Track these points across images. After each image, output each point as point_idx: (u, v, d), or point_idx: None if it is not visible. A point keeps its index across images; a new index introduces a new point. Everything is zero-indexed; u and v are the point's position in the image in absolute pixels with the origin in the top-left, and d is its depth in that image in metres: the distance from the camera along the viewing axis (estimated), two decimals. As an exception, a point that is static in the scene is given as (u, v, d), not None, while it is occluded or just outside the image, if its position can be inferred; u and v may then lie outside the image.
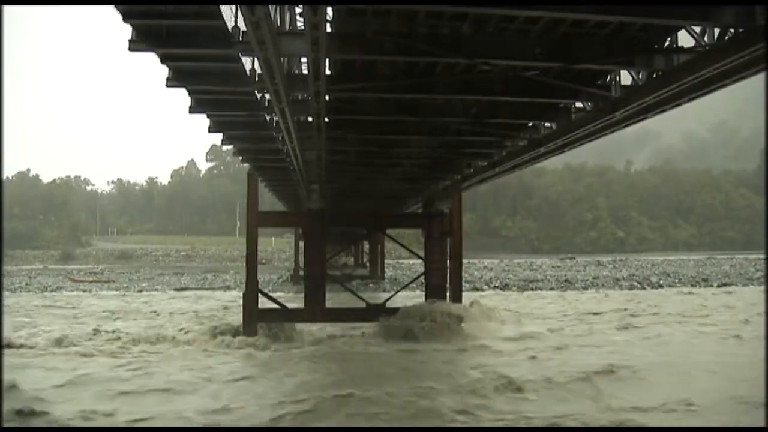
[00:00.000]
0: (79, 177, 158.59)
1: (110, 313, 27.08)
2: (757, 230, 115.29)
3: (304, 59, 9.66)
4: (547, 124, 13.61)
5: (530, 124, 14.10)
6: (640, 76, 9.98)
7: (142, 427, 6.78)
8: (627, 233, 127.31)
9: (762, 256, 54.18)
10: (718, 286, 41.09)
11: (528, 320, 22.94)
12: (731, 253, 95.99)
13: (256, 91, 11.85)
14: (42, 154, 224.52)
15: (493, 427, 6.70)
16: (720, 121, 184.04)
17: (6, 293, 37.02)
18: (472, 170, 18.60)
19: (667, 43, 9.35)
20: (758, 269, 52.07)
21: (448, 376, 13.91)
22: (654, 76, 9.53)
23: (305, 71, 9.97)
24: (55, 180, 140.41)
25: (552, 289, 40.81)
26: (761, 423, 6.90)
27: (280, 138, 14.74)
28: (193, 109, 12.97)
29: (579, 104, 12.20)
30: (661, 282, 43.89)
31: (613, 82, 10.70)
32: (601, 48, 9.40)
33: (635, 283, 43.25)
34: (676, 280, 45.12)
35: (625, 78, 10.49)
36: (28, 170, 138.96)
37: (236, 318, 19.71)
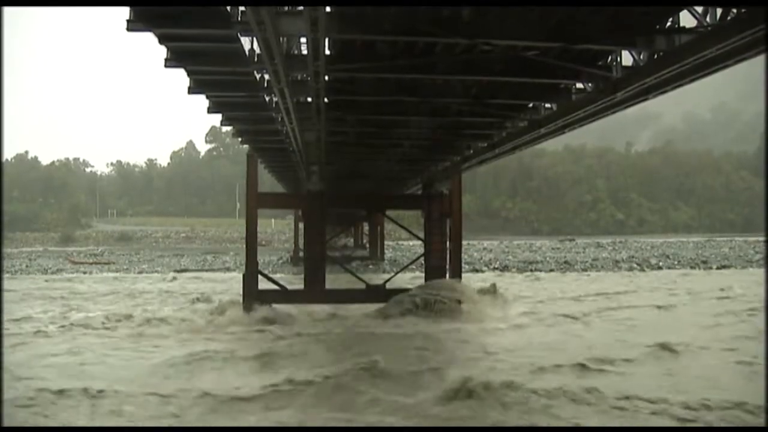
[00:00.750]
0: (78, 159, 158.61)
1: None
2: (756, 213, 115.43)
3: (303, 39, 9.60)
4: (548, 105, 13.57)
5: (530, 105, 14.05)
6: (641, 57, 9.92)
7: (142, 427, 6.79)
8: (627, 215, 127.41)
9: (761, 239, 54.25)
10: (717, 268, 41.14)
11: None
12: (731, 235, 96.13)
13: (255, 72, 11.79)
14: (40, 136, 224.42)
15: (494, 427, 6.72)
16: (721, 102, 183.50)
17: (6, 275, 37.00)
18: (471, 151, 18.56)
19: (668, 24, 9.30)
20: (757, 252, 52.14)
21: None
22: (655, 56, 9.48)
23: (304, 51, 9.92)
24: (54, 162, 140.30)
25: (551, 270, 40.88)
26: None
27: (279, 119, 14.70)
28: (192, 90, 12.90)
29: (579, 85, 12.15)
30: (660, 264, 43.95)
31: (614, 63, 10.63)
32: (602, 28, 9.34)
33: (634, 265, 43.32)
34: (676, 262, 45.18)
35: (626, 59, 10.43)
36: (27, 152, 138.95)
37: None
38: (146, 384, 11.00)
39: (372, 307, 19.45)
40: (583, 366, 12.48)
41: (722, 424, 9.15)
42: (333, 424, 8.86)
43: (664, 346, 14.20)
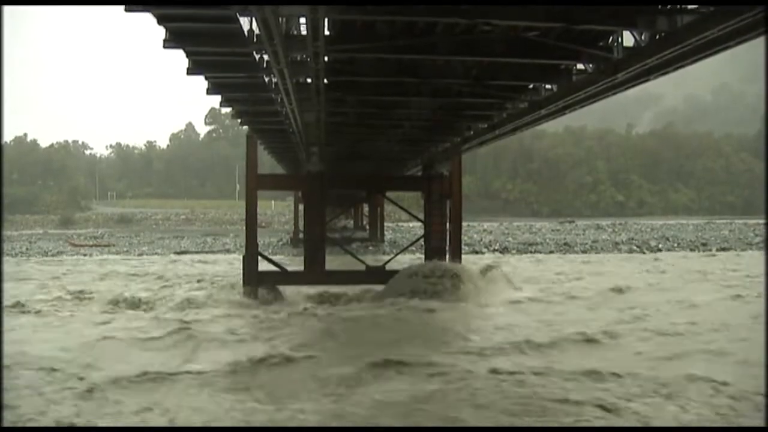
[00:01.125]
0: (78, 141, 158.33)
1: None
2: (756, 195, 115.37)
3: (302, 19, 9.55)
4: (548, 86, 13.51)
5: (531, 86, 14.00)
6: (643, 38, 9.87)
7: (142, 427, 6.81)
8: (627, 197, 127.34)
9: (761, 222, 54.26)
10: (717, 250, 41.18)
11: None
12: (730, 217, 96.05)
13: (254, 52, 11.73)
14: (39, 119, 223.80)
15: (494, 427, 6.76)
16: (722, 84, 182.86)
17: (7, 258, 37.03)
18: (472, 132, 18.52)
19: (670, 5, 9.24)
20: (757, 234, 52.15)
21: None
22: (657, 37, 9.43)
23: (304, 32, 9.87)
24: (53, 144, 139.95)
25: (551, 252, 40.95)
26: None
27: (279, 100, 14.65)
28: (190, 71, 12.83)
29: (580, 66, 12.09)
30: (660, 246, 43.99)
31: (615, 44, 10.57)
32: (603, 9, 9.29)
33: (634, 247, 43.38)
34: (675, 245, 45.21)
35: (628, 39, 10.37)
36: (26, 135, 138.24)
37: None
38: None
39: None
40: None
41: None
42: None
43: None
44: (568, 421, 8.55)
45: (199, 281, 23.34)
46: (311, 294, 19.35)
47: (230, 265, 29.61)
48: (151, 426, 6.89)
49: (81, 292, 21.04)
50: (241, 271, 19.13)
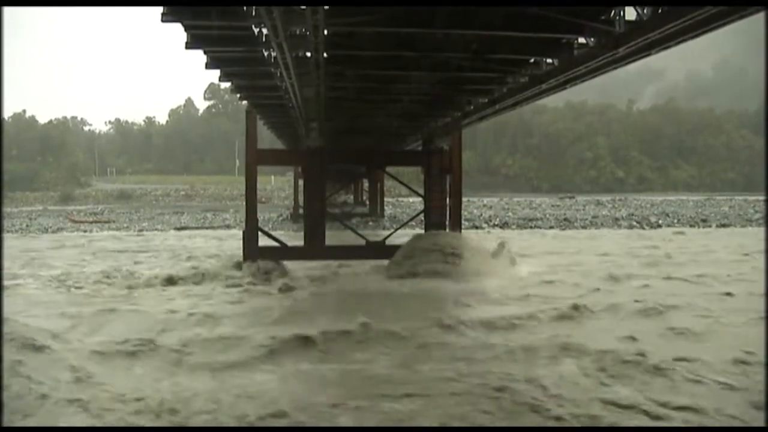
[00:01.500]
0: (76, 117, 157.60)
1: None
2: (757, 172, 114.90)
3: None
4: (549, 61, 13.41)
5: (532, 60, 13.89)
6: (645, 12, 9.78)
7: (142, 427, 6.83)
8: (627, 173, 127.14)
9: (761, 198, 54.24)
10: (717, 226, 41.22)
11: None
12: (731, 194, 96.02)
13: (253, 26, 11.64)
14: (37, 95, 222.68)
15: (494, 427, 6.80)
16: (724, 59, 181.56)
17: (7, 235, 37.02)
18: (472, 107, 18.42)
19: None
20: (757, 211, 52.23)
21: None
22: (659, 11, 9.35)
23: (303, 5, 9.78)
24: (51, 121, 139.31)
25: (551, 227, 41.01)
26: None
27: (278, 74, 14.56)
28: (189, 45, 12.73)
29: (582, 40, 11.99)
30: (660, 222, 44.03)
31: (617, 18, 10.48)
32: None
33: (634, 223, 43.43)
34: (675, 221, 45.26)
35: (630, 14, 10.28)
36: (24, 111, 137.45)
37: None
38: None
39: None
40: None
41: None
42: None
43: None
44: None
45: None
46: (313, 269, 19.54)
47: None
48: (150, 426, 6.91)
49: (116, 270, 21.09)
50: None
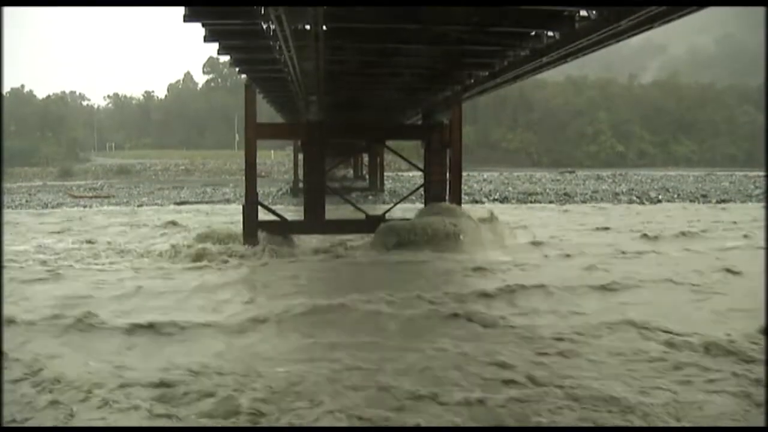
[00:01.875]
0: (75, 92, 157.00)
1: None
2: (758, 147, 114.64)
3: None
4: (550, 34, 13.31)
5: (533, 33, 13.79)
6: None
7: (142, 427, 6.85)
8: (627, 147, 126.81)
9: (762, 174, 54.11)
10: (717, 202, 41.16)
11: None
12: (731, 169, 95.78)
13: (251, -2, 11.54)
14: (35, 70, 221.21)
15: (494, 427, 6.82)
16: (726, 34, 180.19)
17: (7, 210, 36.93)
18: (472, 80, 18.31)
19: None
20: (757, 186, 52.13)
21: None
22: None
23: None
24: (49, 96, 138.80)
25: (551, 202, 41.00)
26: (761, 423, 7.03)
27: (277, 47, 14.45)
28: (187, 18, 12.61)
29: (584, 12, 11.90)
30: (660, 197, 43.99)
31: (620, -10, 10.39)
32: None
33: (634, 198, 43.38)
34: (675, 196, 45.21)
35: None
36: (22, 86, 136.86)
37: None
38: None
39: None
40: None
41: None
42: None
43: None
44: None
45: None
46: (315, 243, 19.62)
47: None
48: (151, 426, 6.94)
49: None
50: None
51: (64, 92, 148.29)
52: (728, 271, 15.70)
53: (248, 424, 7.08)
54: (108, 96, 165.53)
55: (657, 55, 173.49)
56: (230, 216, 27.41)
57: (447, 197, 20.86)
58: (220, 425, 6.93)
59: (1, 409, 6.66)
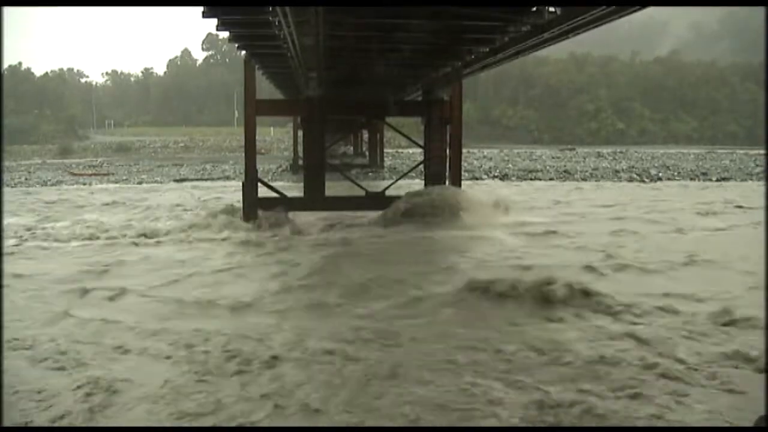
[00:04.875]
0: (72, 69, 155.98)
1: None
2: (759, 125, 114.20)
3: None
4: (552, 9, 13.20)
5: (534, 9, 13.67)
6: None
7: (142, 427, 6.85)
8: (628, 125, 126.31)
9: (762, 152, 53.97)
10: (717, 180, 41.09)
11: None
12: (732, 147, 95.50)
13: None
14: (32, 47, 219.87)
15: (493, 427, 6.84)
16: (729, 12, 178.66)
17: (6, 189, 36.88)
18: (473, 56, 18.19)
19: None
20: (758, 164, 51.95)
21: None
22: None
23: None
24: (47, 73, 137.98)
25: (551, 179, 40.94)
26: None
27: (276, 23, 14.33)
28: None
29: (585, -13, 11.78)
30: (660, 175, 43.89)
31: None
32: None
33: (634, 176, 43.26)
34: (675, 173, 45.09)
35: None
36: (20, 63, 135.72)
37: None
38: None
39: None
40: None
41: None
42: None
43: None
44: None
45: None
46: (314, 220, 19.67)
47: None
48: (151, 426, 6.95)
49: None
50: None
51: (62, 69, 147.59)
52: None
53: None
54: (106, 73, 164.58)
55: (662, 31, 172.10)
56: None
57: (447, 174, 20.84)
58: (220, 425, 6.93)
59: (1, 409, 6.63)
